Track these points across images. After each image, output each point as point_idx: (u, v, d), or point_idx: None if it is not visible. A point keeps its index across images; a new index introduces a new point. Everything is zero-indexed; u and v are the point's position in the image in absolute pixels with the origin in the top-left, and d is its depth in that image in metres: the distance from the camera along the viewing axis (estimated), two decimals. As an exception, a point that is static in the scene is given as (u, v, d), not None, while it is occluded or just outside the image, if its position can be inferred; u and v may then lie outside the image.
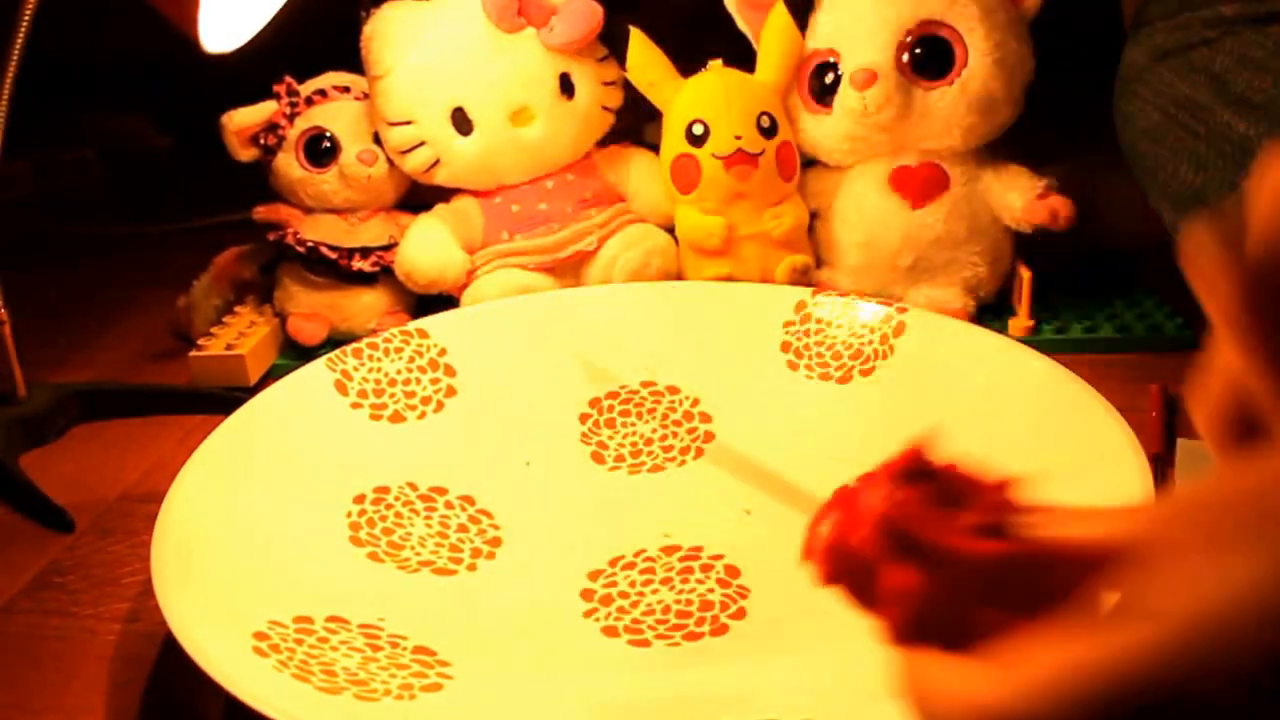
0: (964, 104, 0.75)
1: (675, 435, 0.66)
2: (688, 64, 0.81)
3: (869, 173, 0.78)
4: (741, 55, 0.81)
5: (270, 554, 0.52)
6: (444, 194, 0.85)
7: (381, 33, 0.81)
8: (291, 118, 0.83)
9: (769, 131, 0.78)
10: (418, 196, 0.86)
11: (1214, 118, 0.63)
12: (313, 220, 0.85)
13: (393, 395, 0.65)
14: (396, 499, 0.59)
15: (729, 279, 0.77)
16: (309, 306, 0.84)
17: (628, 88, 0.84)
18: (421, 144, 0.81)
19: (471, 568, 0.56)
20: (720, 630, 0.50)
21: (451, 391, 0.66)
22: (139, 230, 1.13)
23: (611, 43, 0.82)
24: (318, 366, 0.64)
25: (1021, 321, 0.78)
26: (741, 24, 0.81)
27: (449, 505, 0.60)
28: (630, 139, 0.87)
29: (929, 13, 0.75)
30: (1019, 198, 0.76)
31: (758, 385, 0.67)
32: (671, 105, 0.81)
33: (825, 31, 0.78)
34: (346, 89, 0.85)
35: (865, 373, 0.66)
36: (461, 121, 0.81)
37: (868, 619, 0.27)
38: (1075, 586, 0.25)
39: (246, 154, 0.84)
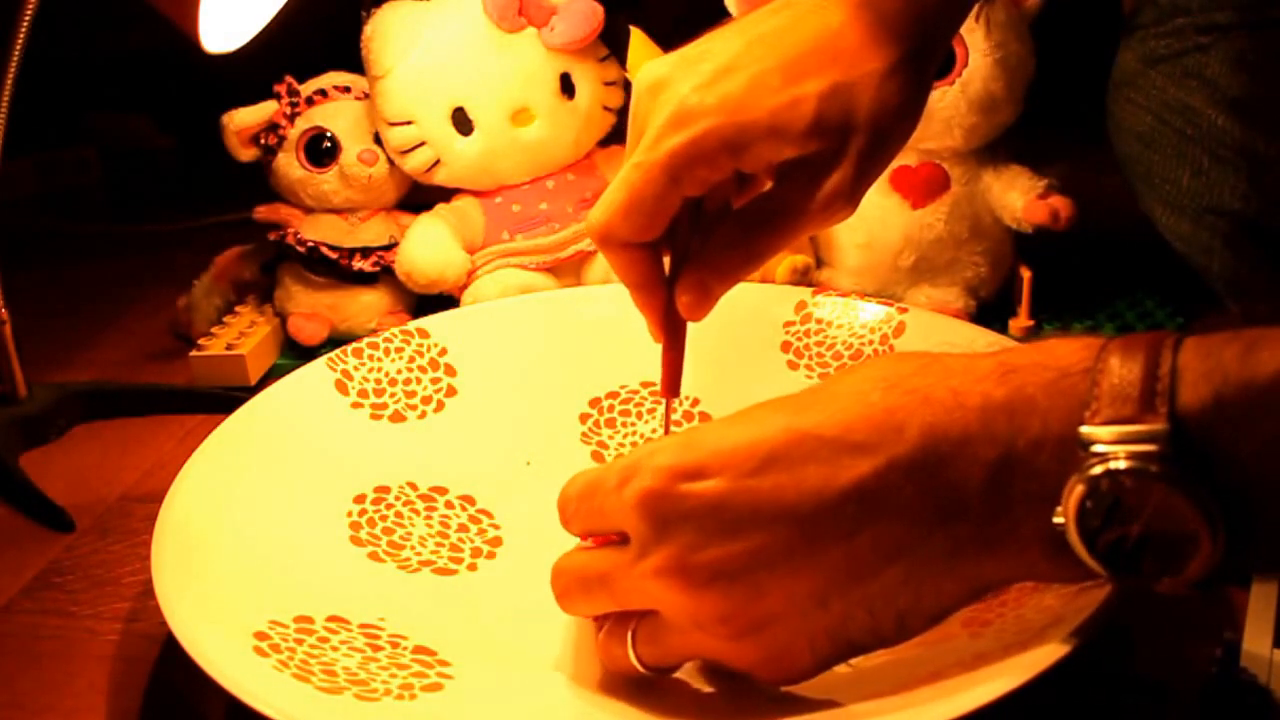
0: (965, 104, 0.75)
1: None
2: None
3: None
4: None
5: (270, 554, 0.52)
6: (445, 194, 0.85)
7: (382, 33, 0.81)
8: (292, 118, 0.83)
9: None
10: (418, 196, 0.87)
11: (1208, 122, 0.63)
12: (313, 220, 0.85)
13: (393, 395, 0.65)
14: (397, 499, 0.59)
15: (729, 279, 0.77)
16: (309, 306, 0.84)
17: (628, 88, 0.84)
18: (422, 144, 0.82)
19: (472, 567, 0.56)
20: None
21: (452, 391, 0.66)
22: (139, 230, 1.13)
23: (612, 43, 0.82)
24: (318, 366, 0.64)
25: (1022, 321, 0.78)
26: (741, 23, 0.80)
27: (449, 505, 0.60)
28: (631, 139, 0.87)
29: (929, 13, 0.75)
30: (1019, 197, 0.76)
31: (758, 385, 0.67)
32: (672, 105, 0.81)
33: (825, 32, 0.78)
34: (347, 89, 0.85)
35: (865, 373, 0.66)
36: (462, 121, 0.81)
37: None
38: None
39: (247, 154, 0.84)
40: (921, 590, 0.38)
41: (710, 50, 0.48)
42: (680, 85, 0.46)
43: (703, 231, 0.51)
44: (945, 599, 0.38)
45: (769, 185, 0.49)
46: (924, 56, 0.48)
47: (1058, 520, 0.35)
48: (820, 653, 0.40)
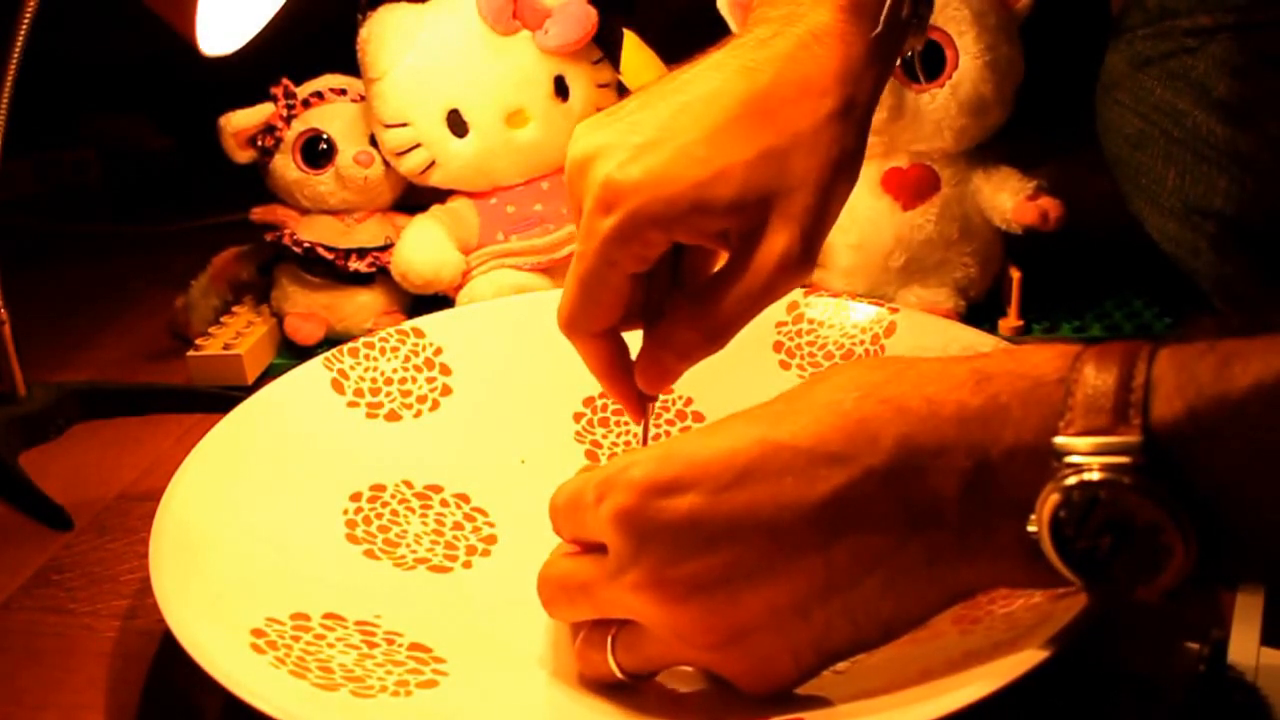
0: (955, 106, 0.75)
1: (669, 434, 0.66)
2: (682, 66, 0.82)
3: (860, 175, 0.78)
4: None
5: (267, 551, 0.52)
6: (440, 195, 0.85)
7: (378, 35, 0.81)
8: (289, 120, 0.84)
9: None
10: (414, 198, 0.87)
11: (1195, 123, 0.64)
12: (309, 221, 0.85)
13: (389, 394, 0.65)
14: (392, 497, 0.60)
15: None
16: (306, 306, 0.85)
17: (622, 90, 0.84)
18: (417, 146, 0.82)
19: (467, 565, 0.57)
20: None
21: (447, 390, 0.67)
22: (137, 230, 1.13)
23: (606, 45, 0.83)
24: (314, 366, 0.65)
25: (1011, 321, 0.78)
26: (734, 26, 0.81)
27: (444, 503, 0.60)
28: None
29: (920, 16, 0.75)
30: (1009, 199, 0.76)
31: (750, 385, 0.67)
32: (666, 107, 0.81)
33: (818, 34, 0.78)
34: (343, 91, 0.86)
35: (856, 372, 0.66)
36: (457, 123, 0.81)
37: None
38: None
39: (244, 155, 0.85)
40: (902, 597, 0.38)
41: (639, 121, 0.46)
42: (606, 162, 0.45)
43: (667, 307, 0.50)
44: (926, 605, 0.39)
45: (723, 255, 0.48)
46: (855, 107, 0.48)
47: (1031, 529, 0.35)
48: (803, 662, 0.40)
